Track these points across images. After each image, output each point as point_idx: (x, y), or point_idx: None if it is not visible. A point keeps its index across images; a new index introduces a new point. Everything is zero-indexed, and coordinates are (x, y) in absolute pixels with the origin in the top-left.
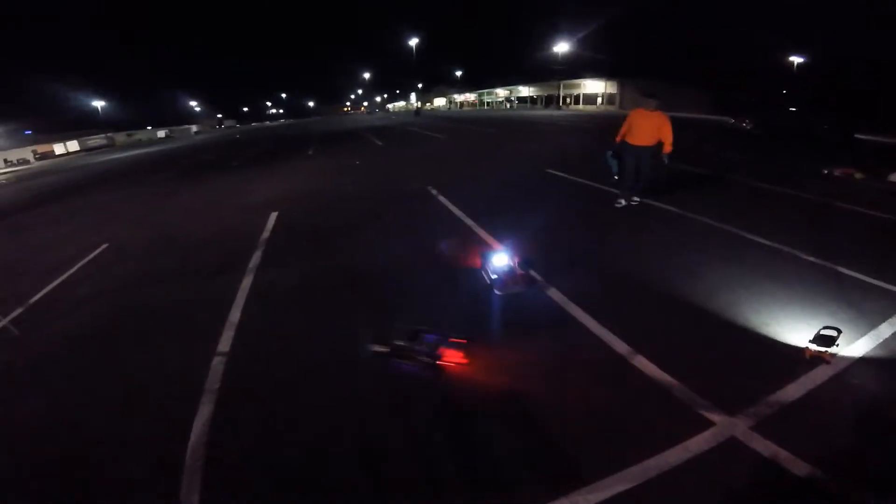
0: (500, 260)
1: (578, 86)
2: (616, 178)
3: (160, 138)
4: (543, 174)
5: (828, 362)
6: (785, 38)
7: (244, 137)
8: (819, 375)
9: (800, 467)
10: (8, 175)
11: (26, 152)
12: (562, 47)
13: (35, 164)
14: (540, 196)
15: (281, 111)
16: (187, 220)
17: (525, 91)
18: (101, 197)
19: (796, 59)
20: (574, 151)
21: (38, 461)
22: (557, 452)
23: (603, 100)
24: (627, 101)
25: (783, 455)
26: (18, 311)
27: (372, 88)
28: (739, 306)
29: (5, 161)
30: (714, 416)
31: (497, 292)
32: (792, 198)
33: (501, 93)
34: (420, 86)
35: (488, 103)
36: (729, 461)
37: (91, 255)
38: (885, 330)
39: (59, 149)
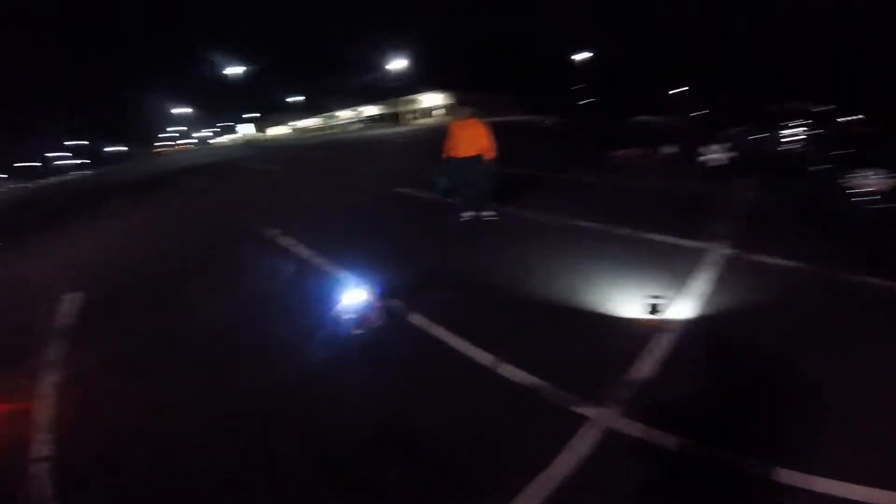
0: (356, 296)
1: (417, 101)
2: (444, 195)
3: None
4: (391, 194)
5: (662, 329)
6: (573, 35)
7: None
8: (663, 343)
9: (675, 442)
10: None
11: None
12: (397, 65)
13: None
14: (389, 218)
15: (77, 161)
16: None
17: (370, 110)
18: None
19: (578, 56)
20: (416, 166)
21: None
22: (446, 481)
23: (443, 111)
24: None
25: (657, 435)
26: None
27: (195, 122)
28: (579, 291)
29: None
30: (587, 410)
31: (358, 332)
32: (593, 184)
33: (344, 115)
34: (259, 115)
35: (335, 126)
36: (614, 454)
37: None
38: (702, 284)
39: None
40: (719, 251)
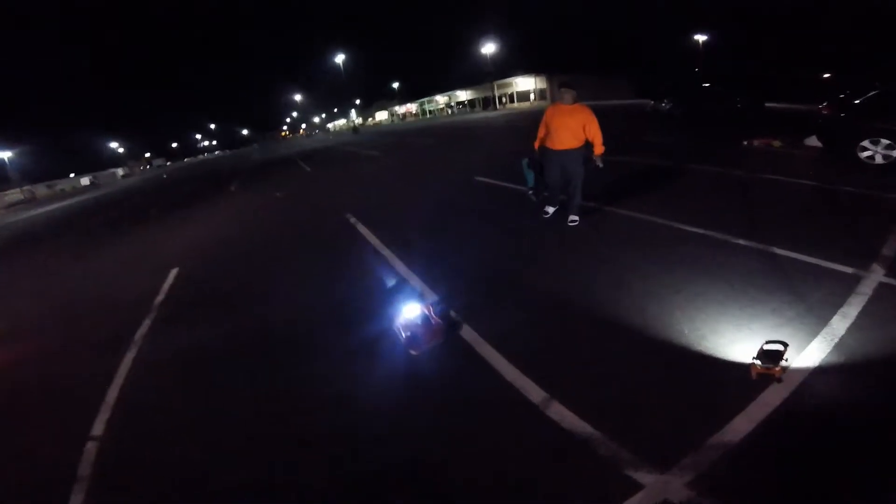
0: (412, 311)
1: (511, 85)
2: (531, 192)
3: (84, 186)
4: (472, 183)
5: (779, 380)
6: (690, 19)
7: (171, 177)
8: (770, 399)
9: None
10: None
11: None
12: (490, 48)
13: None
14: (471, 212)
15: (214, 143)
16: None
17: (463, 95)
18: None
19: (701, 38)
20: (505, 153)
21: None
22: None
23: (535, 95)
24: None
25: None
26: None
27: (309, 110)
28: (679, 320)
29: None
30: (643, 476)
31: (413, 352)
32: (718, 175)
33: (441, 100)
34: (358, 102)
35: (430, 111)
36: None
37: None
38: (838, 325)
39: None
40: (875, 280)
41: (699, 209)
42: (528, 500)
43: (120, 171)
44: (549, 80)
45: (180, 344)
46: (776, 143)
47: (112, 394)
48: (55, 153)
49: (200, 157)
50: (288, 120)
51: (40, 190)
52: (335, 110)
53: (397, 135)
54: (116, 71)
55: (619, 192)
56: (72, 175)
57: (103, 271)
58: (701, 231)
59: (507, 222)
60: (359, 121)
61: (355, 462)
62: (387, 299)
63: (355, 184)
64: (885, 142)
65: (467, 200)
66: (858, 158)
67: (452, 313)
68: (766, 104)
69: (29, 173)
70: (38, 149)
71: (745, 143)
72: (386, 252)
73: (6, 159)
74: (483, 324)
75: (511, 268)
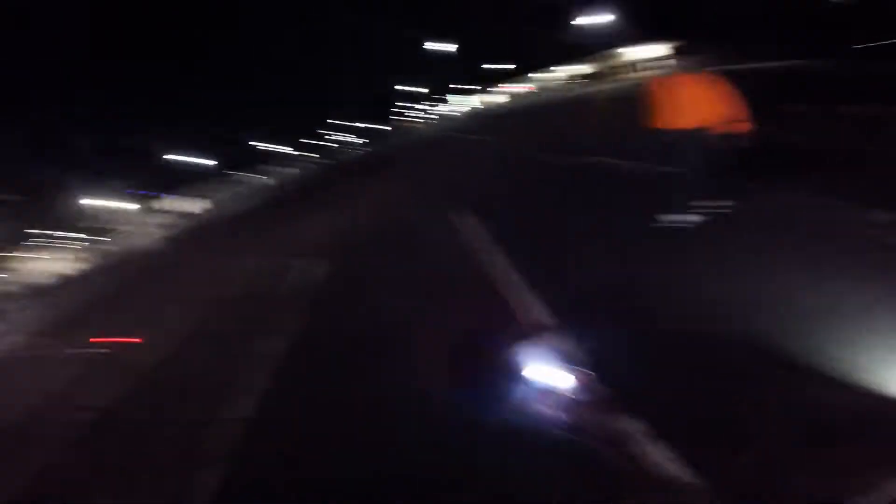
0: (557, 376)
1: (628, 55)
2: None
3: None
4: (604, 167)
5: None
6: None
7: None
8: None
9: None
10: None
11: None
12: (599, 18)
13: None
14: (597, 207)
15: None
16: None
17: (577, 69)
18: None
19: None
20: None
21: None
22: None
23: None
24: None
25: None
26: None
27: (419, 97)
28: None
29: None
30: None
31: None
32: None
33: (553, 76)
34: (471, 86)
35: (540, 89)
36: None
37: None
38: None
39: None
40: None
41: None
42: None
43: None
44: (672, 47)
45: None
46: None
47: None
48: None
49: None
50: (400, 105)
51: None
52: (444, 96)
53: (506, 116)
54: None
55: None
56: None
57: None
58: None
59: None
60: (472, 103)
61: None
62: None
63: (468, 171)
64: None
65: (600, 192)
66: None
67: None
68: None
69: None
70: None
71: None
72: (505, 267)
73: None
74: (605, 369)
75: (642, 278)
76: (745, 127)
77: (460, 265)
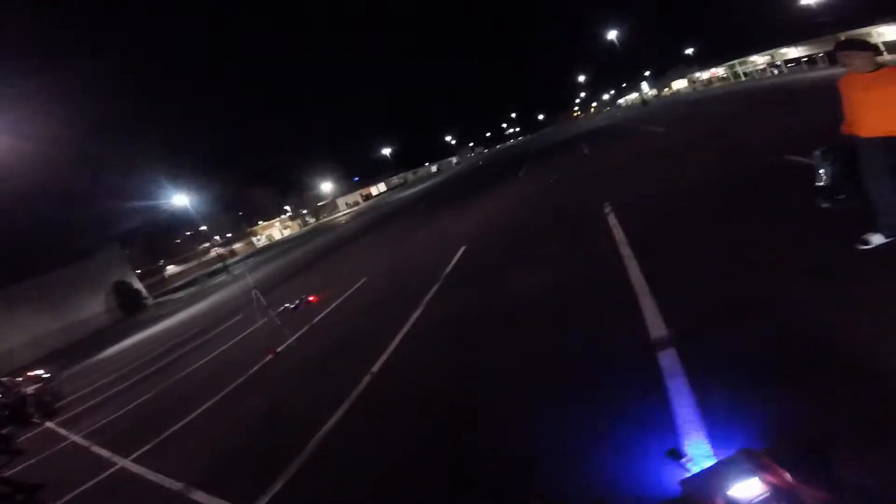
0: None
1: (867, 35)
2: (825, 198)
3: (433, 172)
4: (778, 164)
5: None
6: None
7: (485, 162)
8: None
9: None
10: (348, 214)
11: (356, 196)
12: None
13: (363, 203)
14: (739, 212)
15: (518, 129)
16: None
17: (793, 52)
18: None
19: None
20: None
21: None
22: None
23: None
24: None
25: None
26: None
27: (599, 87)
28: None
29: (346, 204)
30: None
31: None
32: None
33: (760, 60)
34: (648, 74)
35: (745, 74)
36: None
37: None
38: None
39: (374, 191)
40: None
41: None
42: None
43: (454, 160)
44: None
45: None
46: None
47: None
48: (413, 148)
49: (509, 142)
50: (577, 101)
51: (409, 176)
52: (623, 85)
53: (692, 104)
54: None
55: None
56: (426, 164)
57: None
58: None
59: (798, 247)
60: (653, 92)
61: None
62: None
63: (622, 171)
64: None
65: (751, 192)
66: None
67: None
68: None
69: (402, 163)
70: (406, 144)
71: None
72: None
73: (388, 154)
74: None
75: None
76: None
77: None
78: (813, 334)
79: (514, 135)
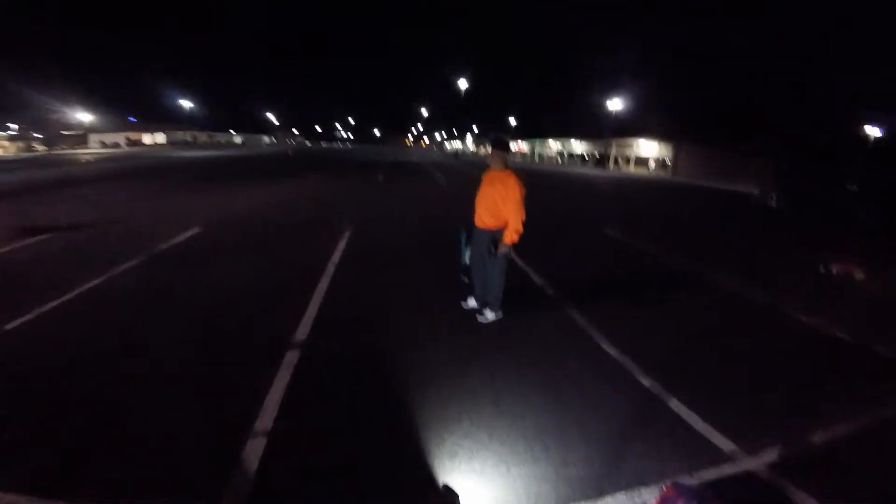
0: None
1: (631, 146)
2: (463, 273)
3: (235, 144)
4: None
5: None
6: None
7: (294, 155)
8: None
9: None
10: (98, 156)
11: (120, 138)
12: (616, 104)
13: (124, 149)
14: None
15: (349, 135)
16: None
17: (578, 147)
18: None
19: (874, 132)
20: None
21: None
22: None
23: (656, 164)
24: (683, 168)
25: None
26: None
27: (434, 124)
28: None
29: (102, 143)
30: None
31: None
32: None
33: (554, 146)
34: (475, 129)
35: (539, 155)
36: None
37: None
38: None
39: (147, 139)
40: None
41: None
42: None
43: (266, 139)
44: (675, 149)
45: None
46: (858, 274)
47: None
48: (222, 108)
49: (333, 144)
50: (414, 129)
51: (202, 137)
52: (453, 130)
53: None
54: (285, 42)
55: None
56: (231, 131)
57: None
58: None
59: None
60: (471, 148)
61: None
62: None
63: (389, 199)
64: None
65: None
66: None
67: None
68: None
69: (197, 121)
70: (212, 101)
71: (823, 268)
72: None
73: (187, 106)
74: None
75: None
76: (512, 238)
77: None
78: None
79: (344, 139)
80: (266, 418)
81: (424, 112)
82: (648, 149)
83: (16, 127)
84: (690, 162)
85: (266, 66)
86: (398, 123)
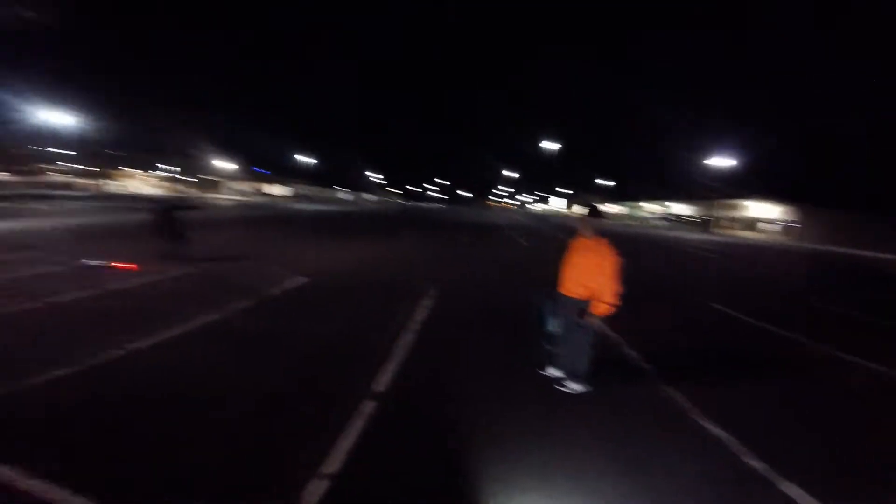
0: None
1: (740, 207)
2: (547, 342)
3: (345, 200)
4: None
5: None
6: None
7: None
8: None
9: None
10: (235, 202)
11: (245, 186)
12: (722, 161)
13: (253, 198)
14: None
15: (439, 194)
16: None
17: (678, 208)
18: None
19: None
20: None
21: None
22: None
23: (775, 226)
24: (815, 234)
25: None
26: None
27: (521, 186)
28: None
29: (233, 189)
30: None
31: None
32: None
33: (650, 208)
34: (562, 190)
35: (636, 218)
36: None
37: None
38: None
39: (270, 189)
40: None
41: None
42: None
43: (372, 197)
44: (803, 213)
45: None
46: None
47: None
48: (333, 168)
49: (424, 203)
50: (498, 191)
51: (314, 191)
52: (536, 193)
53: (570, 231)
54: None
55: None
56: (335, 187)
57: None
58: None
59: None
60: (561, 208)
61: None
62: None
63: (464, 260)
64: None
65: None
66: None
67: None
68: None
69: (314, 176)
70: (324, 160)
71: None
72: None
73: (305, 163)
74: None
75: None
76: (604, 309)
77: None
78: None
79: (433, 198)
80: (335, 462)
81: (508, 173)
82: (763, 211)
83: (178, 169)
84: (820, 224)
85: (373, 136)
86: (484, 184)
